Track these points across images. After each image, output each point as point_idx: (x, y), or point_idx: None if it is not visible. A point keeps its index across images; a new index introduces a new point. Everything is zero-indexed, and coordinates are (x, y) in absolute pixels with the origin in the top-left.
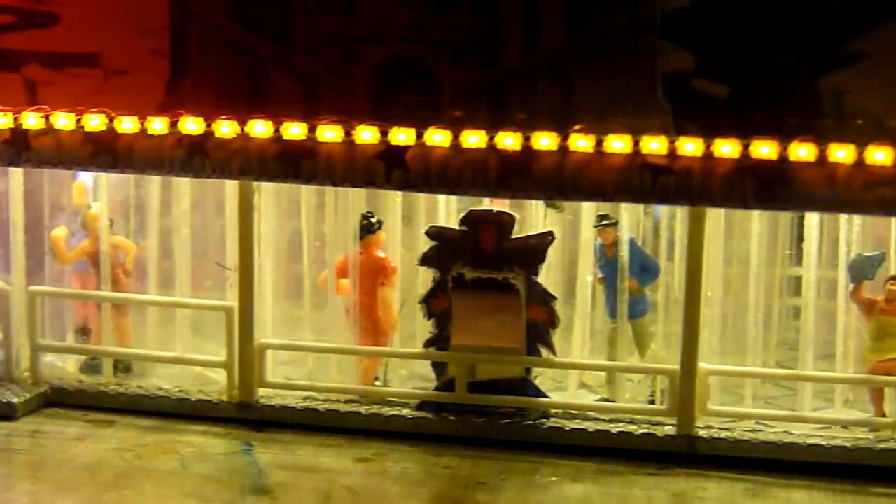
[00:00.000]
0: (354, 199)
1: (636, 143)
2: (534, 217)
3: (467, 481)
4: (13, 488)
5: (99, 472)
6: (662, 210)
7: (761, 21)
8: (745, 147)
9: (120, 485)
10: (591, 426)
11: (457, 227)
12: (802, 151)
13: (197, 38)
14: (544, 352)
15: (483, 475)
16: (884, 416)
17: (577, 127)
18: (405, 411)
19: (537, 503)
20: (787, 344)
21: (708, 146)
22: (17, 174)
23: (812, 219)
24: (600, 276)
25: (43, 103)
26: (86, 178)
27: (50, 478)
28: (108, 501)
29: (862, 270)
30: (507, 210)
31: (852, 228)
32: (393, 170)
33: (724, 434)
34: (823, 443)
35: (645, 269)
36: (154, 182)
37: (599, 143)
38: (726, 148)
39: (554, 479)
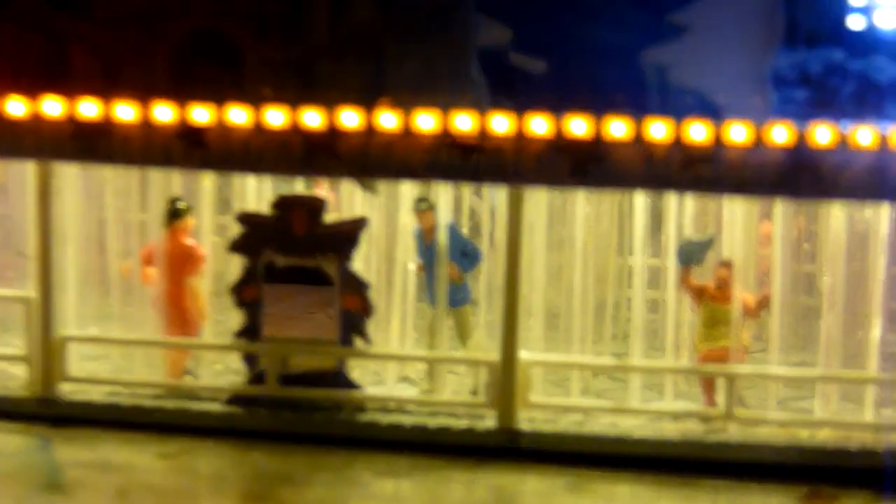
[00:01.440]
0: (164, 184)
1: (446, 121)
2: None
3: (274, 477)
4: None
5: None
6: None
7: None
8: (559, 124)
9: None
10: (408, 420)
11: (268, 213)
12: (618, 128)
13: None
14: (359, 342)
15: (291, 470)
16: (715, 406)
17: (384, 104)
18: (215, 406)
19: (344, 499)
20: (625, 335)
21: (521, 123)
22: None
23: (639, 202)
24: (419, 262)
25: None
26: None
27: None
28: None
29: (690, 255)
30: (320, 194)
31: (683, 212)
32: (192, 149)
33: (547, 427)
34: (652, 435)
35: (465, 254)
36: None
37: (408, 120)
38: (539, 124)
39: (366, 473)
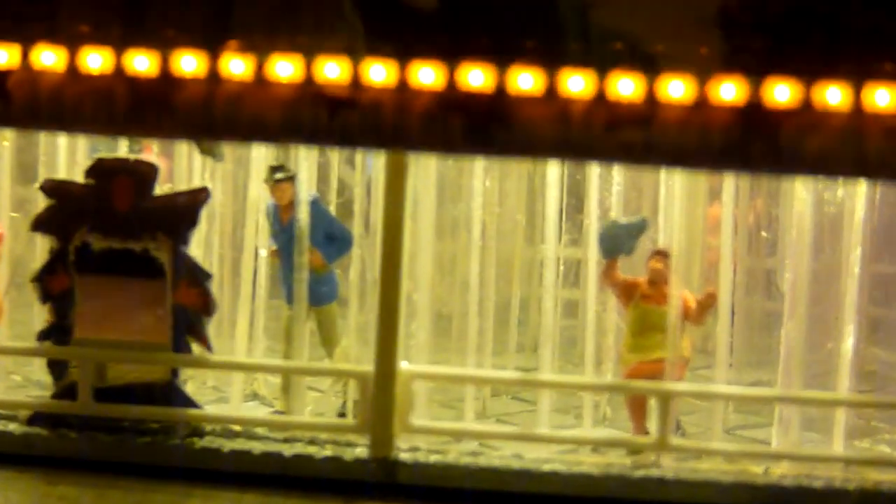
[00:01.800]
0: None
1: (309, 69)
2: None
3: None
4: None
5: None
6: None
7: None
8: (453, 74)
9: None
10: (257, 447)
11: (82, 181)
12: (526, 81)
13: None
14: (196, 347)
15: None
16: (646, 433)
17: (231, 46)
18: (12, 426)
19: None
20: (534, 345)
21: (404, 73)
22: None
23: (553, 175)
24: (274, 247)
25: None
26: None
27: None
28: None
29: (616, 243)
30: (149, 159)
31: (609, 189)
32: None
33: (433, 458)
34: (565, 469)
35: (332, 239)
36: None
37: (261, 67)
38: (427, 74)
39: None
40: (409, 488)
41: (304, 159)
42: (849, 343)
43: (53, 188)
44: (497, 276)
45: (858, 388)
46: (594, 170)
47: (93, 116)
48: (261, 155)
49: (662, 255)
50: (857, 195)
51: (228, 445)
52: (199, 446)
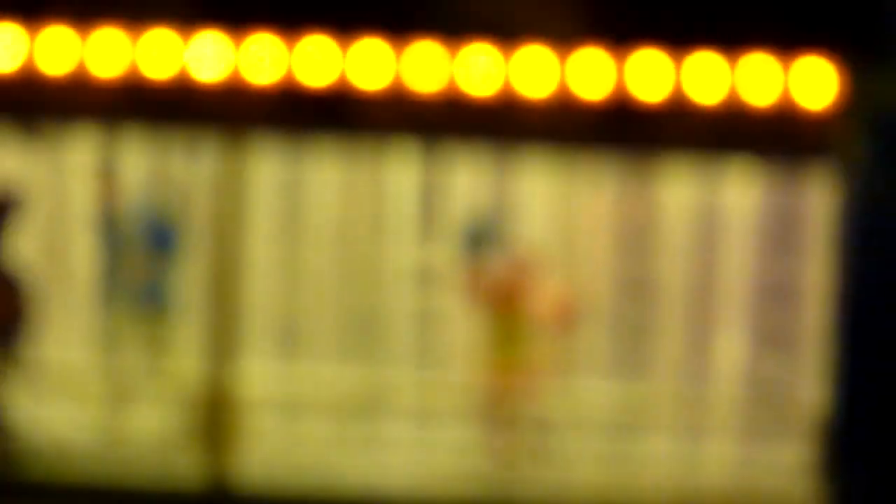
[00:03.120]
0: None
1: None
2: None
3: None
4: None
5: None
6: None
7: None
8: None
9: None
10: (79, 465)
11: None
12: (370, 57)
13: None
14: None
15: None
16: (508, 451)
17: (52, 21)
18: None
19: None
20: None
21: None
22: None
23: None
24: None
25: None
26: None
27: None
28: None
29: (473, 243)
30: None
31: (465, 182)
32: None
33: (273, 478)
34: (419, 492)
35: (162, 238)
36: None
37: (82, 45)
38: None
39: None
40: None
41: (133, 150)
42: (731, 349)
43: None
44: (343, 281)
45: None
46: (446, 159)
47: None
48: (83, 144)
49: (524, 257)
50: (737, 185)
51: (46, 464)
52: (11, 464)
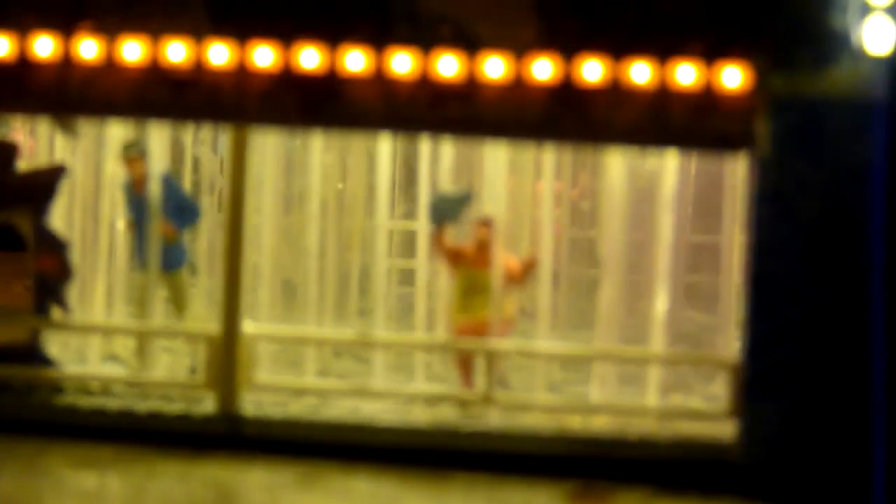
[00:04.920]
0: None
1: (156, 50)
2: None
3: None
4: None
5: None
6: None
7: None
8: (287, 54)
9: None
10: (113, 404)
11: None
12: (356, 60)
13: None
14: (57, 311)
15: None
16: (472, 388)
17: (84, 29)
18: None
19: (35, 494)
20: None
21: (243, 53)
22: None
23: (385, 150)
24: (129, 218)
25: None
26: None
27: None
28: None
29: (444, 212)
30: (13, 138)
31: (439, 163)
32: None
33: (276, 412)
34: (398, 422)
35: (182, 209)
36: None
37: (111, 49)
38: (264, 55)
39: (62, 465)
40: (253, 440)
41: (157, 137)
42: (661, 305)
43: None
44: (339, 246)
45: (674, 347)
46: (424, 146)
47: None
48: (115, 132)
49: (486, 223)
50: (668, 169)
51: (86, 403)
52: (59, 404)
